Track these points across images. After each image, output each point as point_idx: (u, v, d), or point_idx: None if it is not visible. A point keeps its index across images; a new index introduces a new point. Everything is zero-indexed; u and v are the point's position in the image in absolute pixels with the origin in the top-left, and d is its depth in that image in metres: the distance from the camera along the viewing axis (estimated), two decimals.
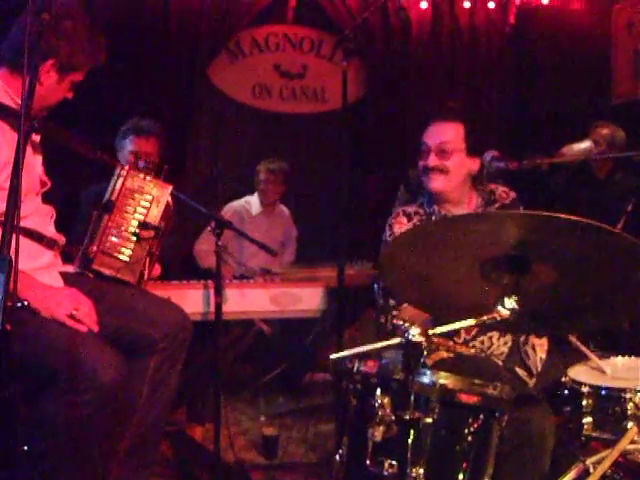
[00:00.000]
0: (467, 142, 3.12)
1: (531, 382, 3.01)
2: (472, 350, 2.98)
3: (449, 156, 3.10)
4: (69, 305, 2.62)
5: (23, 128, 2.00)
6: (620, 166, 5.15)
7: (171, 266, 4.25)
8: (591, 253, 2.00)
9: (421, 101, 6.54)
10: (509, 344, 3.08)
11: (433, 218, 3.17)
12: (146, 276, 3.07)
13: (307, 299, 3.98)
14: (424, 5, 6.69)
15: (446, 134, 3.12)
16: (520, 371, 3.03)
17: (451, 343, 2.91)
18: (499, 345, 3.07)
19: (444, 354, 2.90)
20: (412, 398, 2.01)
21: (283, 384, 5.02)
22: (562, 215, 1.87)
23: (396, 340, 1.99)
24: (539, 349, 3.10)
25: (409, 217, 3.22)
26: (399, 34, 6.67)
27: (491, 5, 6.84)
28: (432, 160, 3.12)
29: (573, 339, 2.88)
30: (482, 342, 3.06)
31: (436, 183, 3.14)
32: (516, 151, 3.24)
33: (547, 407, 2.73)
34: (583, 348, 2.89)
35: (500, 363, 3.02)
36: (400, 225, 3.20)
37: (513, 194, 3.27)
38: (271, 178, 5.72)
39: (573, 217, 1.87)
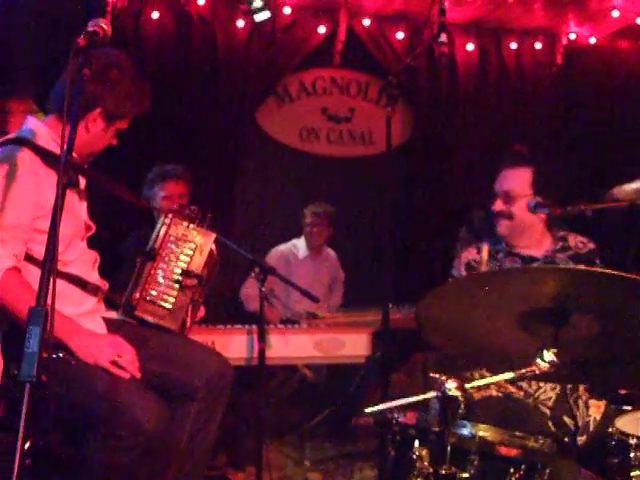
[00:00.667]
0: (534, 187, 3.15)
1: (578, 435, 2.94)
2: (521, 393, 2.94)
3: (514, 201, 3.14)
4: (112, 352, 2.65)
5: (63, 179, 2.05)
6: None
7: (217, 309, 4.27)
8: (631, 305, 1.97)
9: (467, 144, 6.53)
10: (557, 390, 3.03)
11: (500, 256, 3.22)
12: (189, 323, 3.09)
13: (351, 344, 3.97)
14: (470, 47, 6.69)
15: (513, 180, 3.20)
16: (568, 420, 2.98)
17: (501, 382, 2.88)
18: (546, 390, 3.02)
19: (493, 392, 2.87)
20: (448, 452, 1.97)
21: (328, 429, 4.99)
22: (600, 269, 1.84)
23: (432, 394, 1.97)
24: (594, 410, 3.03)
25: (478, 249, 3.28)
26: (445, 76, 6.67)
27: (538, 45, 6.82)
28: (497, 205, 3.21)
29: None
30: (530, 384, 3.01)
31: (501, 228, 3.23)
32: (566, 193, 3.23)
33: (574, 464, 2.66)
34: None
35: (547, 411, 2.96)
36: (469, 253, 3.26)
37: (592, 245, 3.28)
38: (317, 221, 5.75)
39: (610, 271, 1.85)
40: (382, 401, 2.25)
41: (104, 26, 2.30)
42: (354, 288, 6.00)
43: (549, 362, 2.03)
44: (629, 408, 2.85)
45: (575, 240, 3.27)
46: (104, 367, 2.62)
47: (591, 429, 2.97)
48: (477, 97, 6.74)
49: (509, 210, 3.17)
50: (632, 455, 2.63)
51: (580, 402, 3.01)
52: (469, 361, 2.63)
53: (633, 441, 2.64)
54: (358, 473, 4.38)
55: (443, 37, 3.43)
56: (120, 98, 2.80)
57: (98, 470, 2.54)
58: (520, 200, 3.15)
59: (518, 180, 3.19)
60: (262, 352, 3.41)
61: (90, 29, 2.27)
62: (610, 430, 2.74)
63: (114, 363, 2.64)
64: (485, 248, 3.21)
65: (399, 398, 2.22)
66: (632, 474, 2.62)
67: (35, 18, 5.23)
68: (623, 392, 2.83)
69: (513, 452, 2.15)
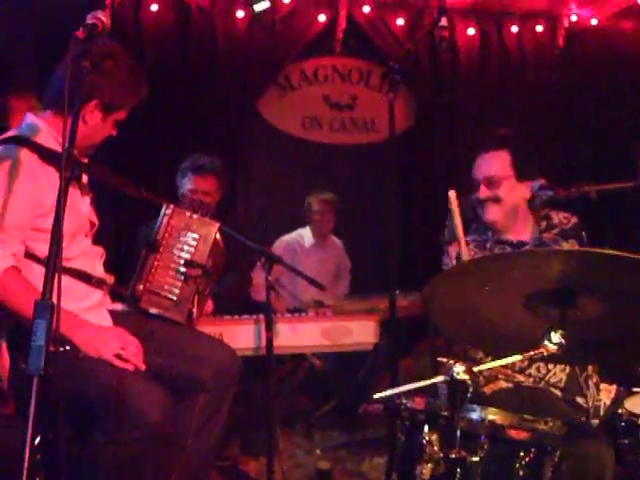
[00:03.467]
0: (515, 168, 3.09)
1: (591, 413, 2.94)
2: (530, 379, 2.92)
3: (498, 185, 3.08)
4: (116, 344, 2.64)
5: (65, 173, 2.04)
6: None
7: (230, 301, 4.26)
8: (636, 286, 1.95)
9: (471, 128, 6.50)
10: (567, 371, 3.01)
11: (488, 245, 3.16)
12: (195, 314, 3.08)
13: (359, 332, 3.94)
14: (471, 31, 6.67)
15: (491, 164, 3.11)
16: (581, 400, 2.96)
17: (509, 372, 2.87)
18: (556, 372, 3.00)
19: (503, 384, 2.86)
20: (458, 436, 1.97)
21: (337, 417, 4.99)
22: (602, 250, 1.83)
23: (440, 378, 1.96)
24: (604, 394, 3.02)
25: (466, 242, 3.19)
26: (447, 62, 6.65)
27: (539, 28, 6.78)
28: (483, 192, 3.12)
29: None
30: (538, 369, 2.99)
31: (491, 214, 3.13)
32: (567, 176, 3.19)
33: (604, 440, 2.65)
34: None
35: (558, 393, 2.95)
36: (455, 246, 3.18)
37: (575, 219, 3.22)
38: (324, 209, 5.73)
39: (617, 252, 1.84)
40: (391, 388, 2.24)
41: (103, 18, 2.30)
42: (360, 276, 5.99)
43: (557, 344, 2.02)
44: (639, 390, 2.84)
45: (558, 217, 3.21)
46: (108, 360, 2.61)
47: (601, 413, 2.96)
48: (479, 82, 6.72)
49: (495, 194, 3.10)
50: None
51: (590, 383, 2.99)
52: (476, 345, 2.62)
53: None
54: (368, 460, 4.38)
55: (443, 21, 3.41)
56: (116, 88, 2.78)
57: (105, 462, 2.54)
58: (504, 182, 3.07)
59: (496, 162, 3.10)
60: (270, 341, 3.40)
61: (89, 22, 2.28)
62: (620, 411, 2.74)
63: (118, 356, 2.63)
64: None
65: (407, 384, 2.22)
66: None
67: (36, 13, 5.22)
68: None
69: (523, 435, 2.14)
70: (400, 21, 6.45)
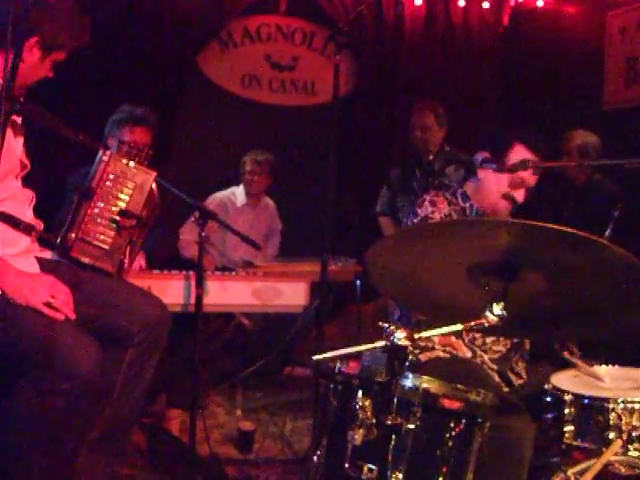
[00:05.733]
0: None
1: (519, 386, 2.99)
2: (468, 354, 2.94)
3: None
4: (45, 292, 2.56)
5: (4, 108, 1.94)
6: (598, 171, 5.15)
7: (157, 257, 4.19)
8: (579, 263, 1.97)
9: (411, 97, 6.49)
10: (508, 345, 3.05)
11: (467, 213, 3.10)
12: (126, 265, 3.00)
13: (289, 294, 3.92)
14: (418, 1, 6.65)
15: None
16: (511, 375, 3.01)
17: (454, 340, 2.88)
18: (497, 343, 3.03)
19: (440, 353, 2.88)
20: (395, 403, 1.95)
21: (261, 378, 4.97)
22: (552, 225, 1.83)
23: (381, 343, 1.94)
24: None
25: (449, 202, 3.11)
26: (392, 29, 6.63)
27: (485, 5, 6.82)
28: (529, 178, 3.06)
29: (566, 355, 2.85)
30: (481, 340, 3.02)
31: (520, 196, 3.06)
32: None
33: (527, 415, 2.69)
34: (577, 361, 2.85)
35: (494, 366, 2.98)
36: (443, 206, 3.09)
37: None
38: (257, 170, 5.66)
39: (562, 227, 1.84)
40: (315, 352, 2.21)
41: None
42: (292, 239, 5.96)
43: (498, 316, 2.03)
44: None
45: None
46: (37, 308, 2.53)
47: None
48: (422, 52, 6.73)
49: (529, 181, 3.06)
50: (566, 411, 2.67)
51: (521, 361, 3.05)
52: (417, 311, 2.61)
53: (568, 397, 2.68)
54: (291, 423, 4.39)
55: None
56: (59, 28, 2.68)
57: (31, 415, 2.47)
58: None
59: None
60: (199, 298, 3.35)
61: None
62: (546, 387, 2.78)
63: (48, 304, 2.55)
64: None
65: (333, 350, 2.19)
66: (565, 429, 2.67)
67: None
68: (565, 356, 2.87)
69: (455, 405, 2.14)
70: None
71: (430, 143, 5.36)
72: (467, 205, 3.11)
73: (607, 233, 4.03)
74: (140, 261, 3.91)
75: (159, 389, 4.08)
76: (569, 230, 1.87)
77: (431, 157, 5.35)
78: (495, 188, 3.04)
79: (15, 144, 2.76)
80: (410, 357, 1.98)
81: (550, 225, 1.86)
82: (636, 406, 2.56)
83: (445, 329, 2.01)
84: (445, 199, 3.11)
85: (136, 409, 2.95)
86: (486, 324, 2.01)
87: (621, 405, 2.57)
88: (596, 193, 5.06)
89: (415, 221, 3.05)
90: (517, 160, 2.95)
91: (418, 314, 2.83)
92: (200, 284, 3.37)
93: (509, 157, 2.99)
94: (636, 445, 2.52)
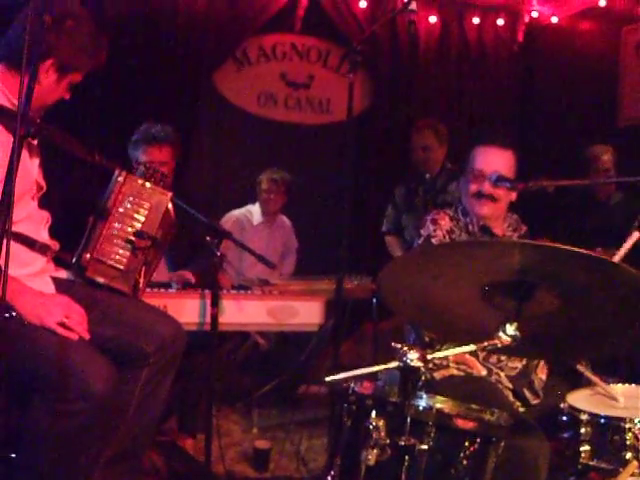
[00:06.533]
0: (515, 172, 3.10)
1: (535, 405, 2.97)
2: (483, 372, 2.93)
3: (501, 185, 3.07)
4: (60, 312, 2.56)
5: (20, 131, 1.95)
6: (620, 188, 5.14)
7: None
8: (592, 283, 1.97)
9: (426, 115, 6.50)
10: (524, 361, 3.04)
11: (470, 228, 3.15)
12: (141, 285, 3.01)
13: (304, 313, 3.91)
14: (433, 19, 6.67)
15: (500, 162, 3.11)
16: (528, 393, 3.00)
17: (468, 357, 2.88)
18: (514, 360, 3.02)
19: (454, 371, 2.87)
20: (408, 423, 1.95)
21: (277, 397, 4.96)
22: (565, 246, 1.83)
23: (394, 364, 1.94)
24: (539, 370, 3.07)
25: (451, 218, 3.18)
26: (407, 47, 6.65)
27: (500, 22, 6.83)
28: (487, 188, 3.08)
29: (581, 367, 2.83)
30: (499, 359, 3.01)
31: (485, 210, 3.13)
32: (521, 169, 3.20)
33: (542, 435, 2.67)
34: (592, 376, 2.84)
35: (509, 385, 2.97)
36: (444, 222, 3.15)
37: (525, 228, 3.28)
38: (273, 188, 5.68)
39: (575, 248, 1.84)
40: (332, 370, 2.22)
41: None
42: (308, 257, 5.97)
43: (511, 336, 2.02)
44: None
45: (512, 218, 3.27)
46: (51, 328, 2.53)
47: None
48: (437, 70, 6.74)
49: (497, 194, 3.06)
50: (582, 431, 2.66)
51: (539, 379, 3.04)
52: (430, 331, 2.61)
53: (584, 417, 2.67)
54: (306, 441, 4.37)
55: (413, 5, 3.41)
56: (75, 50, 2.67)
57: (46, 432, 2.47)
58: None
59: (504, 162, 3.10)
60: (215, 317, 3.36)
61: None
62: (561, 406, 2.77)
63: (62, 324, 2.55)
64: None
65: (349, 368, 2.20)
66: (581, 449, 2.65)
67: None
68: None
69: (469, 425, 2.14)
70: (362, 3, 6.42)
71: (432, 162, 5.45)
72: (467, 220, 3.15)
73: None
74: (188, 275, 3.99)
75: (171, 411, 4.08)
76: (581, 251, 1.87)
77: (432, 175, 5.39)
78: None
79: (31, 165, 2.78)
80: (424, 377, 1.98)
81: (562, 245, 1.86)
82: None
83: (458, 349, 2.01)
84: (446, 214, 3.15)
85: (151, 428, 2.96)
86: (499, 344, 2.01)
87: (638, 425, 2.57)
88: (616, 210, 5.04)
89: (419, 242, 3.08)
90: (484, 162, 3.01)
91: (432, 334, 2.83)
92: (215, 303, 3.37)
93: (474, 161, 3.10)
94: None
